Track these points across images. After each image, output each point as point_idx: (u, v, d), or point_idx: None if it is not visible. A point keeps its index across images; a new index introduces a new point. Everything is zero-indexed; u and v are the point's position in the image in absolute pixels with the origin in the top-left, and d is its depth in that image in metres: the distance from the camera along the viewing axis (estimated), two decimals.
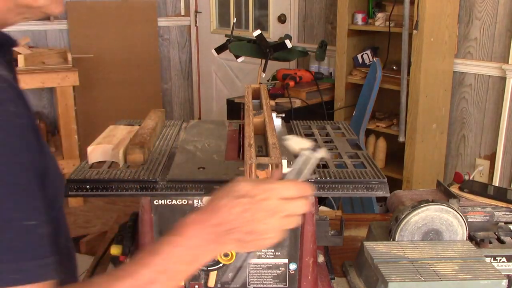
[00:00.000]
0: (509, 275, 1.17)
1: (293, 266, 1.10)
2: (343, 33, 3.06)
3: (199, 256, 0.72)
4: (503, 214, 1.25)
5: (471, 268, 1.05)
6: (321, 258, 1.19)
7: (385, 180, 1.02)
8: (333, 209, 2.09)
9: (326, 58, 3.52)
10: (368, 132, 3.08)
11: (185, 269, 0.72)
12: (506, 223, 1.25)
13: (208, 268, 1.05)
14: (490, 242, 1.19)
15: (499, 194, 1.27)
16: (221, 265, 1.04)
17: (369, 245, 1.13)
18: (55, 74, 3.30)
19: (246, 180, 0.73)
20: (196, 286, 1.10)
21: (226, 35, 3.27)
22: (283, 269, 1.10)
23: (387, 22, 2.91)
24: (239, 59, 3.25)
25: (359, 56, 3.10)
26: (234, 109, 3.04)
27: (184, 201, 1.05)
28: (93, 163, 1.11)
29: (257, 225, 0.71)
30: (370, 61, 3.06)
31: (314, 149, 0.78)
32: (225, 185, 0.73)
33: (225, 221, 0.70)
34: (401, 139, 2.86)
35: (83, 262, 2.91)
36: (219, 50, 3.26)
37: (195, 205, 1.05)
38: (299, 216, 0.75)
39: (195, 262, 0.72)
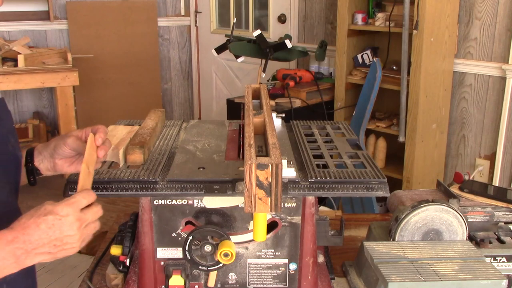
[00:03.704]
0: (509, 275, 1.17)
1: (293, 266, 1.10)
2: (343, 33, 3.06)
3: (1, 267, 0.78)
4: (503, 214, 1.25)
5: (471, 268, 1.05)
6: (321, 258, 1.19)
7: (385, 180, 1.02)
8: (333, 209, 2.09)
9: (326, 58, 3.52)
10: (368, 132, 3.08)
11: None
12: (506, 223, 1.25)
13: (208, 268, 1.05)
14: (490, 242, 1.19)
15: (499, 194, 1.27)
16: (221, 265, 1.04)
17: (369, 245, 1.13)
18: (55, 74, 3.30)
19: (49, 202, 0.83)
20: (196, 286, 1.10)
21: (226, 35, 3.27)
22: (283, 269, 1.10)
23: (387, 22, 2.91)
24: (239, 59, 3.25)
25: (359, 56, 3.10)
26: (234, 109, 3.04)
27: (184, 201, 1.05)
28: None
29: (63, 238, 0.81)
30: (370, 61, 3.06)
31: None
32: (43, 205, 0.82)
33: (32, 239, 0.79)
34: (401, 139, 2.86)
35: (83, 262, 2.91)
36: (219, 50, 3.26)
37: (195, 205, 1.05)
38: (98, 221, 0.87)
39: None
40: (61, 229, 0.81)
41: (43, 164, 1.06)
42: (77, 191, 0.89)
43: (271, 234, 1.07)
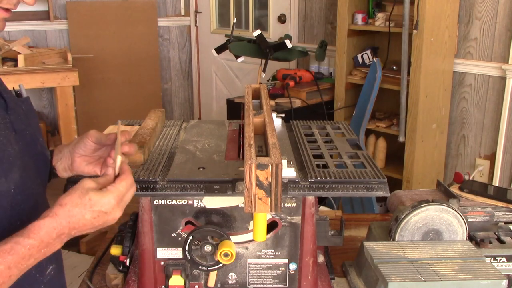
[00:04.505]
0: (509, 275, 1.17)
1: (293, 266, 1.10)
2: (343, 33, 3.06)
3: (47, 252, 0.80)
4: (503, 214, 1.25)
5: (471, 268, 1.05)
6: (321, 258, 1.19)
7: (385, 180, 1.02)
8: (333, 209, 2.09)
9: (326, 58, 3.52)
10: (368, 132, 3.08)
11: (32, 262, 0.79)
12: (506, 223, 1.25)
13: (208, 268, 1.05)
14: (490, 242, 1.19)
15: (499, 194, 1.27)
16: (221, 265, 1.04)
17: (369, 245, 1.13)
18: (55, 74, 3.30)
19: (92, 188, 0.82)
20: (196, 286, 1.10)
21: (226, 35, 3.27)
22: (283, 269, 1.10)
23: (387, 22, 2.91)
24: (239, 59, 3.25)
25: (359, 56, 3.10)
26: (234, 109, 3.04)
27: (184, 201, 1.05)
28: None
29: (105, 223, 0.84)
30: (370, 61, 3.06)
31: None
32: (75, 187, 0.83)
33: (77, 226, 0.81)
34: (401, 139, 2.86)
35: (83, 262, 2.91)
36: (219, 50, 3.26)
37: (195, 205, 1.05)
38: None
39: (43, 256, 0.80)
40: (104, 220, 0.83)
41: (61, 163, 1.05)
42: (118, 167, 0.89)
43: (271, 234, 1.07)
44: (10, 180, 0.85)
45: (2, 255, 0.74)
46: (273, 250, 1.08)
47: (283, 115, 1.39)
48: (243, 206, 0.93)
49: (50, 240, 0.79)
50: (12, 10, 0.91)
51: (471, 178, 1.36)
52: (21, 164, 0.89)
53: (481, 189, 1.29)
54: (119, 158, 0.89)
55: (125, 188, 0.86)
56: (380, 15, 2.96)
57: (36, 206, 0.94)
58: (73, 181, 1.02)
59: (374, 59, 2.90)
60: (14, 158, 0.88)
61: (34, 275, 0.92)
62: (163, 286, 1.10)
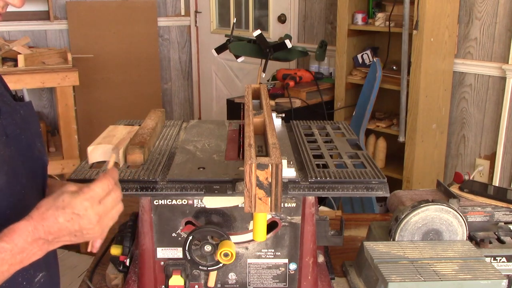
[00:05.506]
0: (509, 275, 1.17)
1: (293, 266, 1.10)
2: (343, 33, 3.06)
3: (24, 259, 0.78)
4: (503, 214, 1.25)
5: (471, 268, 1.05)
6: (321, 258, 1.19)
7: (385, 180, 1.02)
8: (333, 209, 2.09)
9: (326, 58, 3.52)
10: (368, 132, 3.08)
11: (8, 270, 0.77)
12: (506, 223, 1.25)
13: (208, 268, 1.05)
14: (490, 242, 1.19)
15: (499, 194, 1.27)
16: (221, 265, 1.04)
17: (369, 245, 1.13)
18: (55, 74, 3.30)
19: (68, 190, 0.80)
20: (196, 286, 1.10)
21: (226, 35, 3.27)
22: (283, 269, 1.10)
23: (387, 22, 2.91)
24: (239, 59, 3.25)
25: (359, 56, 3.10)
26: (234, 109, 3.04)
27: (184, 201, 1.05)
28: (93, 163, 1.11)
29: (83, 230, 0.80)
30: (370, 61, 3.06)
31: None
32: (62, 194, 0.80)
33: (51, 230, 0.78)
34: (401, 139, 2.86)
35: (83, 262, 2.91)
36: (219, 50, 3.26)
37: (195, 205, 1.05)
38: (120, 205, 0.85)
39: (20, 264, 0.78)
40: (79, 224, 0.79)
41: None
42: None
43: (271, 234, 1.07)
44: None
45: None
46: (273, 250, 1.08)
47: (283, 115, 1.39)
48: (243, 206, 0.93)
49: (26, 245, 0.76)
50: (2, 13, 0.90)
51: (471, 178, 1.36)
52: (9, 169, 0.87)
53: (481, 189, 1.29)
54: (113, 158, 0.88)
55: (102, 189, 0.81)
56: (380, 15, 2.96)
57: (24, 212, 0.90)
58: (73, 180, 1.02)
59: (374, 59, 2.90)
60: (1, 163, 0.85)
61: (20, 282, 0.89)
62: (163, 286, 1.10)
